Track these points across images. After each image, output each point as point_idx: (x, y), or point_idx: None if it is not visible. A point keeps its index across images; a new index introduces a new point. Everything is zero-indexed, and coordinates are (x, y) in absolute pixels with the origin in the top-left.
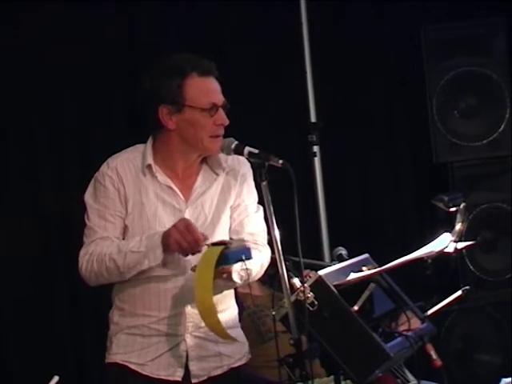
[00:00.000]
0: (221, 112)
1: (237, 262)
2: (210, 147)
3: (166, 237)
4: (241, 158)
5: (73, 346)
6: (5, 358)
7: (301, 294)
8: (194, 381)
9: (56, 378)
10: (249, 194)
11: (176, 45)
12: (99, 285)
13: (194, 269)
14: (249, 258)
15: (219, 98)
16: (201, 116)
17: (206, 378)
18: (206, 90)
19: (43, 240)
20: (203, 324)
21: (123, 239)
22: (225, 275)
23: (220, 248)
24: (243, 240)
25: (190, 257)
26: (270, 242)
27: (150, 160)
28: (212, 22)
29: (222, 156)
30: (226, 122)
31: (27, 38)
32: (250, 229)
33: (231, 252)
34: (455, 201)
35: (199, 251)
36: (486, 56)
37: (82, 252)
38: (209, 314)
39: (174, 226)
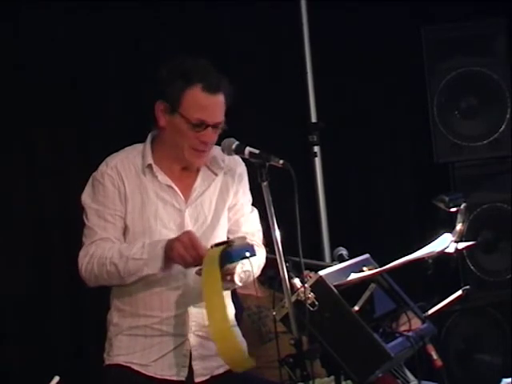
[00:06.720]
0: (208, 131)
1: (241, 259)
2: (189, 159)
3: (170, 249)
4: (237, 157)
5: (73, 347)
6: (5, 358)
7: (301, 295)
8: (197, 380)
9: (56, 378)
10: (244, 193)
11: (177, 45)
12: (99, 286)
13: (198, 272)
14: (253, 254)
15: (212, 118)
16: (186, 127)
17: (208, 377)
18: (202, 106)
19: (43, 240)
20: (206, 323)
21: (124, 239)
22: (228, 277)
23: (221, 247)
24: (245, 238)
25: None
26: (271, 243)
27: (150, 160)
28: (212, 22)
29: (219, 156)
30: (211, 141)
31: (27, 36)
32: (246, 228)
33: (234, 250)
34: (456, 201)
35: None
36: (486, 56)
37: (81, 253)
38: (223, 336)
39: (178, 239)
